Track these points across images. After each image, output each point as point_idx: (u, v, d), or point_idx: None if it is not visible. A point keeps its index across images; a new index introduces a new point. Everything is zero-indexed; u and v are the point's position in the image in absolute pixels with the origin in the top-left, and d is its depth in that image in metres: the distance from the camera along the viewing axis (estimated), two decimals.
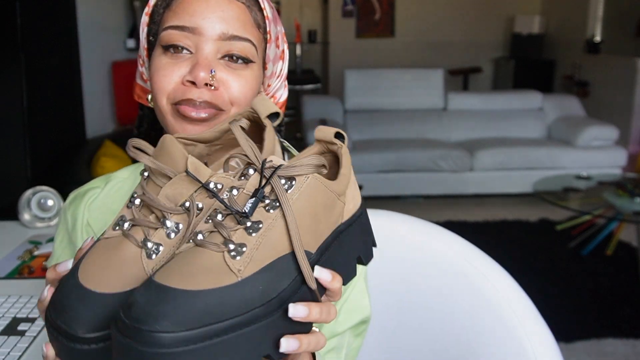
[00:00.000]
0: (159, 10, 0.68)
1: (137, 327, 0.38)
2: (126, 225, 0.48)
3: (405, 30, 6.78)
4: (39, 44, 2.43)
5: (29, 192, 1.50)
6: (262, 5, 0.68)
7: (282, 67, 0.75)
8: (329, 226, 0.49)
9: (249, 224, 0.44)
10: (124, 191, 0.77)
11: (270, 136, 0.51)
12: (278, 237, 0.45)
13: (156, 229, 0.47)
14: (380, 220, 0.97)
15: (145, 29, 0.70)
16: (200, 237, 0.45)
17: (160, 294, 0.40)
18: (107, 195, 0.77)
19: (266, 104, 0.52)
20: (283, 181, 0.46)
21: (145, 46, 0.70)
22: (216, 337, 0.39)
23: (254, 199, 0.45)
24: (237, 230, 0.44)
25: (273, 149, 0.50)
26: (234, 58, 0.65)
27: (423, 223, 0.98)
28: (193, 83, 0.63)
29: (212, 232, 0.45)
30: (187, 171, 0.47)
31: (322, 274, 0.47)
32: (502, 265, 0.91)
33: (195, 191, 0.48)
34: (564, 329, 2.39)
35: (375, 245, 0.58)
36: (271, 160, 0.47)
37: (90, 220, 0.76)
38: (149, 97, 0.71)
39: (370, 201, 3.96)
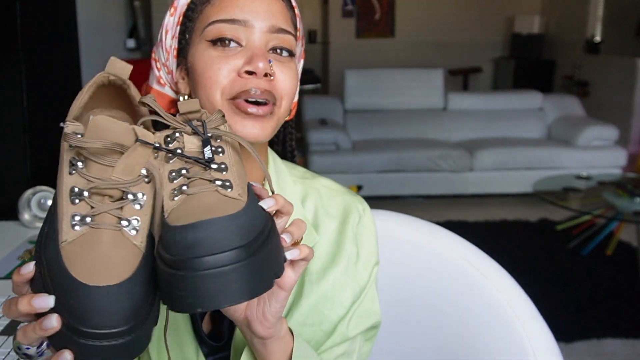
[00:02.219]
0: (197, 8, 0.67)
1: (215, 254, 0.42)
2: (88, 219, 0.46)
3: (405, 30, 6.78)
4: (39, 44, 2.43)
5: (29, 192, 1.50)
6: (294, 4, 0.71)
7: (301, 66, 0.77)
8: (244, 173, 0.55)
9: (215, 166, 0.49)
10: None
11: (138, 95, 0.54)
12: (240, 170, 0.51)
13: (122, 207, 0.47)
14: (380, 220, 0.97)
15: (176, 29, 0.69)
16: (185, 188, 0.48)
17: (213, 224, 0.43)
18: None
19: (118, 64, 0.53)
20: (214, 130, 0.52)
21: (176, 46, 0.70)
22: (264, 245, 0.45)
23: (208, 146, 0.50)
24: (211, 173, 0.49)
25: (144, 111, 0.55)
26: (280, 51, 0.66)
27: (423, 223, 0.98)
28: (251, 73, 0.63)
29: (192, 181, 0.48)
30: (139, 139, 0.48)
31: (268, 202, 0.51)
32: (502, 265, 0.91)
33: (154, 156, 0.50)
34: (564, 329, 2.39)
35: None
36: (189, 119, 0.52)
37: None
38: (181, 99, 0.70)
39: (370, 201, 3.94)
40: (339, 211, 0.78)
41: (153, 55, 0.74)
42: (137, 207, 0.48)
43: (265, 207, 0.49)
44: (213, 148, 0.51)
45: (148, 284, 0.46)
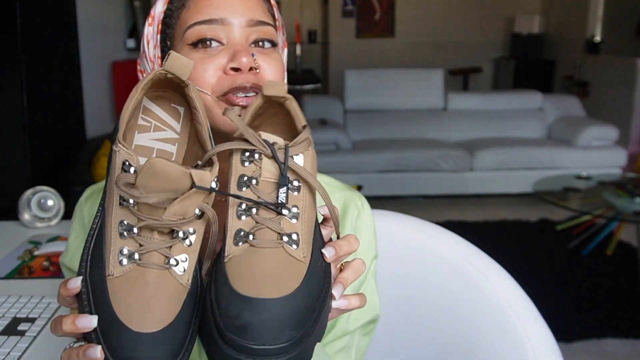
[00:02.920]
0: (174, 14, 0.68)
1: (263, 345, 0.41)
2: (137, 255, 0.45)
3: (405, 30, 6.79)
4: (39, 44, 2.43)
5: (29, 192, 1.50)
6: None
7: (285, 55, 0.77)
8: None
9: (287, 212, 0.46)
10: None
11: (198, 96, 0.51)
12: (311, 213, 0.48)
13: (172, 246, 0.46)
14: (380, 220, 0.97)
15: (157, 37, 0.69)
16: (251, 237, 0.46)
17: (268, 309, 0.42)
18: None
19: (180, 60, 0.50)
20: (295, 159, 0.48)
21: (159, 55, 0.70)
22: (314, 325, 0.44)
23: (284, 187, 0.46)
24: (281, 221, 0.46)
25: (204, 112, 0.52)
26: (262, 43, 0.67)
27: (423, 223, 0.98)
28: (237, 70, 0.63)
29: (259, 229, 0.46)
30: (195, 185, 0.45)
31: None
32: (502, 265, 0.91)
33: (204, 199, 0.47)
34: (564, 329, 2.39)
35: None
36: (275, 142, 0.47)
37: None
38: None
39: (370, 201, 3.94)
40: (338, 206, 0.78)
41: (138, 67, 0.74)
42: (187, 244, 0.47)
43: (328, 256, 0.49)
44: (290, 187, 0.47)
45: (190, 323, 0.46)
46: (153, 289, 0.45)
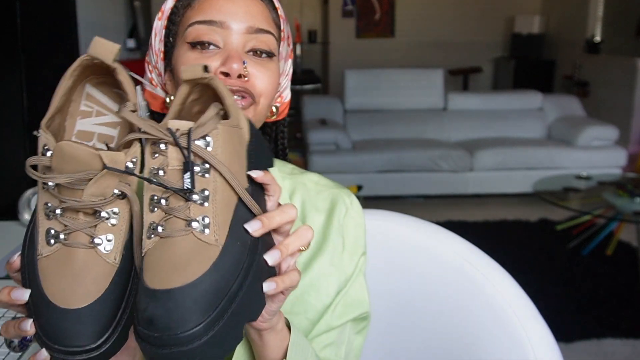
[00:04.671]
0: (179, 11, 0.69)
1: (170, 334, 0.41)
2: (62, 236, 0.47)
3: (405, 30, 6.78)
4: (39, 44, 2.43)
5: (29, 192, 1.50)
6: (277, 5, 0.71)
7: (290, 66, 0.77)
8: (244, 155, 0.51)
9: (196, 197, 0.46)
10: None
11: (127, 79, 0.51)
12: (224, 194, 0.47)
13: (96, 225, 0.47)
14: (380, 221, 0.97)
15: (162, 32, 0.71)
16: (160, 229, 0.46)
17: (171, 298, 0.42)
18: None
19: (104, 45, 0.50)
20: (200, 142, 0.47)
21: (162, 49, 0.71)
22: (230, 306, 0.43)
23: (188, 172, 0.46)
24: (190, 207, 0.46)
25: (135, 94, 0.51)
26: (259, 53, 0.67)
27: (423, 223, 0.98)
28: (226, 75, 0.64)
29: (167, 219, 0.46)
30: (106, 166, 0.46)
31: (257, 173, 0.51)
32: (502, 265, 0.91)
33: (122, 180, 0.48)
34: (564, 329, 2.39)
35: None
36: (177, 129, 0.47)
37: None
38: (167, 100, 0.72)
39: (370, 201, 3.96)
40: (326, 204, 0.79)
41: (146, 57, 0.76)
42: (111, 223, 0.48)
43: (250, 230, 0.48)
44: (196, 171, 0.47)
45: (121, 299, 0.48)
46: (79, 268, 0.46)
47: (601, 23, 5.82)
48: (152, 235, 0.46)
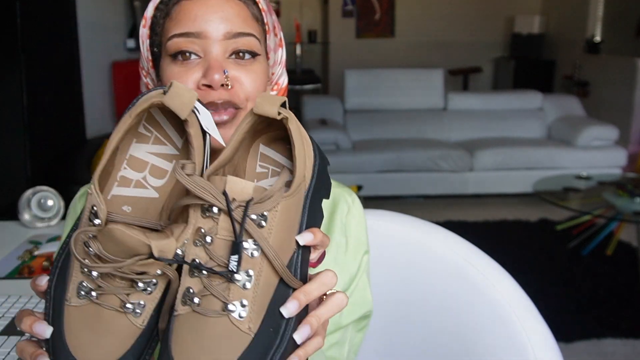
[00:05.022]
0: (159, 21, 0.68)
1: None
2: (94, 294, 0.45)
3: (405, 30, 6.78)
4: (39, 44, 2.43)
5: (29, 192, 1.50)
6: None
7: (282, 54, 0.77)
8: (297, 219, 0.48)
9: (239, 277, 0.44)
10: None
11: (197, 133, 0.47)
12: (268, 276, 0.45)
13: (129, 293, 0.46)
14: (381, 220, 0.97)
15: (147, 41, 0.70)
16: (196, 301, 0.44)
17: None
18: None
19: (181, 96, 0.46)
20: (256, 217, 0.44)
21: (150, 58, 0.71)
22: None
23: (236, 255, 0.43)
24: (230, 288, 0.44)
25: (201, 150, 0.48)
26: (241, 54, 0.66)
27: (423, 223, 0.98)
28: (209, 86, 0.64)
29: (205, 295, 0.44)
30: (155, 257, 0.44)
31: (306, 237, 0.47)
32: (502, 265, 0.91)
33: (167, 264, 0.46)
34: (564, 329, 2.39)
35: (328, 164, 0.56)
36: (234, 199, 0.44)
37: None
38: None
39: (370, 201, 3.96)
40: (328, 204, 0.79)
41: (140, 63, 0.75)
42: (147, 292, 0.46)
43: (285, 315, 0.45)
44: (245, 248, 0.44)
45: (138, 356, 0.46)
46: (105, 327, 0.45)
47: (601, 23, 5.81)
48: (187, 303, 0.45)
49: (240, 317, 0.43)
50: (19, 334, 0.95)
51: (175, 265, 0.46)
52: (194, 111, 0.48)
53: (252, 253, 0.44)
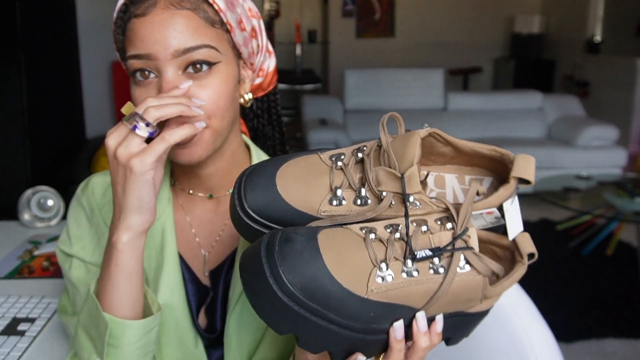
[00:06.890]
0: (119, 38, 0.69)
1: (277, 263, 0.43)
2: (339, 163, 0.51)
3: (405, 30, 6.78)
4: (39, 44, 2.43)
5: (29, 192, 1.50)
6: (211, 1, 0.66)
7: (258, 44, 0.75)
8: (453, 306, 0.50)
9: (409, 264, 0.46)
10: None
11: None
12: (417, 292, 0.47)
13: (352, 189, 0.50)
14: None
15: (119, 56, 0.72)
16: (372, 235, 0.47)
17: (310, 256, 0.44)
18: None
19: (526, 167, 0.49)
20: (462, 258, 0.47)
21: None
22: (314, 315, 0.44)
23: (432, 253, 0.46)
24: (397, 260, 0.46)
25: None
26: (198, 65, 0.65)
27: None
28: None
29: (379, 239, 0.47)
30: (402, 174, 0.48)
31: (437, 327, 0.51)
32: None
33: (395, 192, 0.49)
34: (564, 329, 2.39)
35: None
36: (469, 237, 0.47)
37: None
38: None
39: None
40: None
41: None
42: (356, 201, 0.50)
43: (391, 326, 0.49)
44: (435, 261, 0.48)
45: None
46: (311, 180, 0.51)
47: (601, 23, 5.81)
48: (362, 229, 0.48)
49: (377, 277, 0.45)
50: (19, 334, 0.95)
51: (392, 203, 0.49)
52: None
53: (434, 268, 0.47)
